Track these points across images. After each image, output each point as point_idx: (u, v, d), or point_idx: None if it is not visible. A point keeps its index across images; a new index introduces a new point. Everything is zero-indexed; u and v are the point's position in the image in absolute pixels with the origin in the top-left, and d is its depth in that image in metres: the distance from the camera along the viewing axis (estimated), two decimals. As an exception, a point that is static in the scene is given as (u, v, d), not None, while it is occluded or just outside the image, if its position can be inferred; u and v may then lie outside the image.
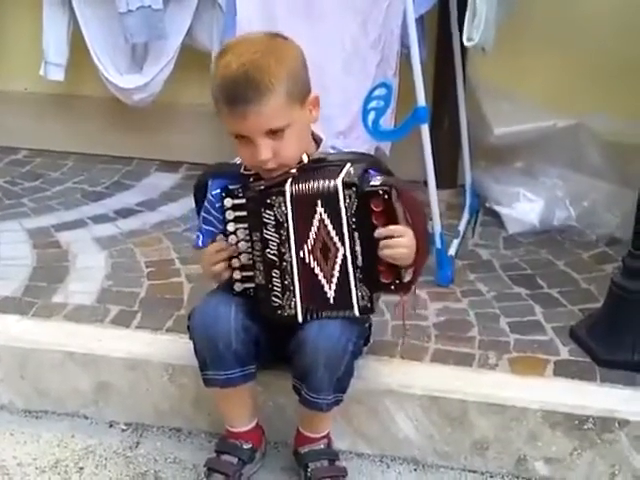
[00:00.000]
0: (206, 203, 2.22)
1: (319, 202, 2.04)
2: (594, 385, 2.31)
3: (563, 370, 2.36)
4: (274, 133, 2.01)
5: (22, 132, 3.69)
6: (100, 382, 2.43)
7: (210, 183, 2.21)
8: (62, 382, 2.45)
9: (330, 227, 2.05)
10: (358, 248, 2.04)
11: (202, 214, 2.24)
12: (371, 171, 2.10)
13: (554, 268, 2.90)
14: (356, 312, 2.08)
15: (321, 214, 2.05)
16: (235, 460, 2.20)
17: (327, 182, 2.03)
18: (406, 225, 2.03)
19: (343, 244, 2.05)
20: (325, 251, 2.06)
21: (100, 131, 3.65)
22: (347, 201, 2.01)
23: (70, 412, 2.47)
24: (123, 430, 2.43)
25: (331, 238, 2.05)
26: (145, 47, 3.33)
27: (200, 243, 2.24)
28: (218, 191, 2.16)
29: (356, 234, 2.03)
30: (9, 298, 2.67)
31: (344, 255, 2.05)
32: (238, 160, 2.19)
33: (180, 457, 2.34)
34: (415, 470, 2.31)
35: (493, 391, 2.28)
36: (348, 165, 2.07)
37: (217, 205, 2.17)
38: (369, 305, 2.07)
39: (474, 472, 2.30)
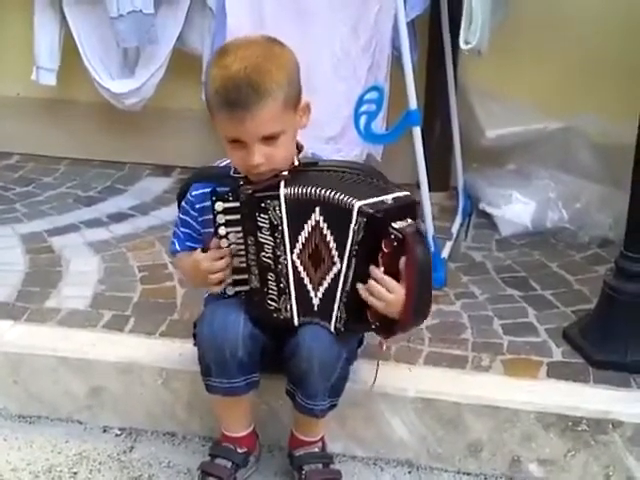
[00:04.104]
0: (184, 204, 2.21)
1: (317, 209, 2.01)
2: (587, 386, 2.32)
3: (556, 372, 2.36)
4: (269, 139, 2.00)
5: (14, 137, 3.69)
6: (94, 387, 2.43)
7: (191, 185, 2.20)
8: (55, 387, 2.44)
9: (330, 238, 2.02)
10: (351, 274, 2.00)
11: (179, 216, 2.23)
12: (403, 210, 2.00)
13: (547, 270, 2.91)
14: (332, 329, 2.06)
15: (318, 222, 2.02)
16: (229, 464, 2.19)
17: (343, 196, 1.98)
18: (406, 278, 1.96)
19: (341, 261, 2.01)
20: (316, 257, 2.04)
21: (92, 136, 3.65)
22: (355, 227, 1.96)
23: (64, 417, 2.46)
24: (117, 435, 2.43)
25: (329, 249, 2.02)
26: (137, 51, 3.34)
27: (178, 247, 2.23)
28: (199, 192, 2.17)
29: (354, 260, 1.99)
30: (2, 303, 2.66)
31: (338, 271, 2.02)
32: (222, 162, 2.19)
33: (174, 461, 2.34)
34: (409, 472, 2.31)
35: (486, 393, 2.28)
36: (393, 195, 1.99)
37: (197, 206, 2.17)
38: (342, 329, 2.05)
39: (468, 474, 2.30)
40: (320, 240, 2.03)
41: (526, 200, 3.14)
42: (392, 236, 1.94)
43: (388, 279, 1.97)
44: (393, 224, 1.95)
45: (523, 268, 2.91)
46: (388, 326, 2.02)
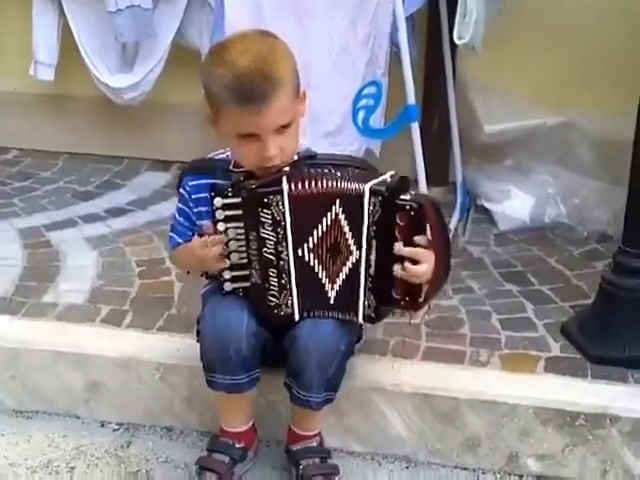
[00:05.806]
0: (183, 192, 2.20)
1: (337, 202, 2.01)
2: (585, 381, 2.31)
3: (554, 367, 2.36)
4: (282, 128, 2.01)
5: (12, 132, 3.69)
6: (91, 381, 2.43)
7: (186, 175, 2.20)
8: (53, 382, 2.44)
9: (347, 229, 2.02)
10: (373, 257, 2.00)
11: (178, 205, 2.22)
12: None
13: (545, 265, 2.90)
14: (360, 319, 2.06)
15: (337, 214, 2.02)
16: (227, 459, 2.18)
17: (352, 184, 1.99)
18: (428, 244, 1.98)
19: (359, 249, 2.01)
20: (334, 251, 2.04)
21: (91, 130, 3.65)
22: (371, 208, 1.98)
23: (61, 412, 2.46)
24: (114, 430, 2.43)
25: (346, 240, 2.03)
26: (135, 46, 3.33)
27: (180, 240, 2.21)
28: (194, 183, 2.16)
29: (374, 242, 1.99)
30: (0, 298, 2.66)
31: (357, 260, 2.02)
32: (217, 154, 2.19)
33: (172, 456, 2.34)
34: (407, 468, 2.31)
35: (484, 388, 2.28)
36: (389, 174, 2.02)
37: (193, 197, 2.17)
38: (373, 315, 2.05)
39: (466, 469, 2.30)
40: (338, 233, 2.03)
41: (524, 195, 3.14)
42: (407, 207, 1.95)
43: (420, 250, 1.97)
44: (403, 196, 1.96)
45: (521, 263, 2.91)
46: (415, 298, 2.02)
